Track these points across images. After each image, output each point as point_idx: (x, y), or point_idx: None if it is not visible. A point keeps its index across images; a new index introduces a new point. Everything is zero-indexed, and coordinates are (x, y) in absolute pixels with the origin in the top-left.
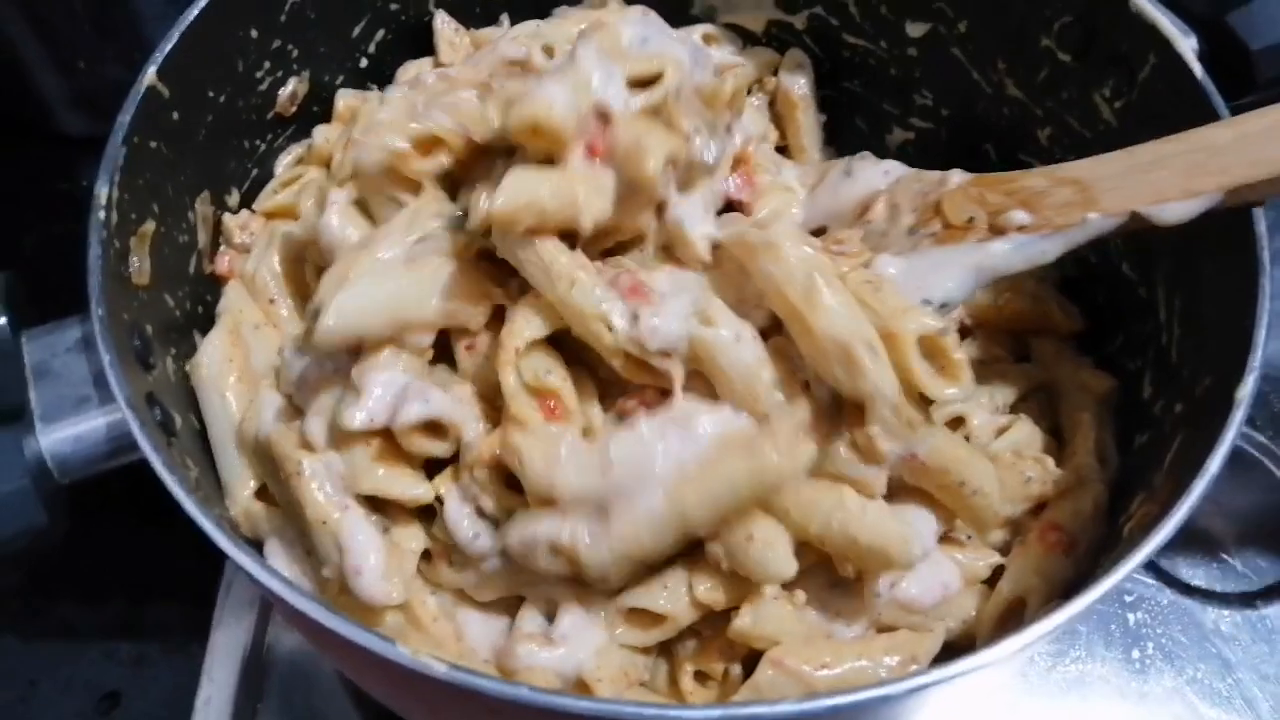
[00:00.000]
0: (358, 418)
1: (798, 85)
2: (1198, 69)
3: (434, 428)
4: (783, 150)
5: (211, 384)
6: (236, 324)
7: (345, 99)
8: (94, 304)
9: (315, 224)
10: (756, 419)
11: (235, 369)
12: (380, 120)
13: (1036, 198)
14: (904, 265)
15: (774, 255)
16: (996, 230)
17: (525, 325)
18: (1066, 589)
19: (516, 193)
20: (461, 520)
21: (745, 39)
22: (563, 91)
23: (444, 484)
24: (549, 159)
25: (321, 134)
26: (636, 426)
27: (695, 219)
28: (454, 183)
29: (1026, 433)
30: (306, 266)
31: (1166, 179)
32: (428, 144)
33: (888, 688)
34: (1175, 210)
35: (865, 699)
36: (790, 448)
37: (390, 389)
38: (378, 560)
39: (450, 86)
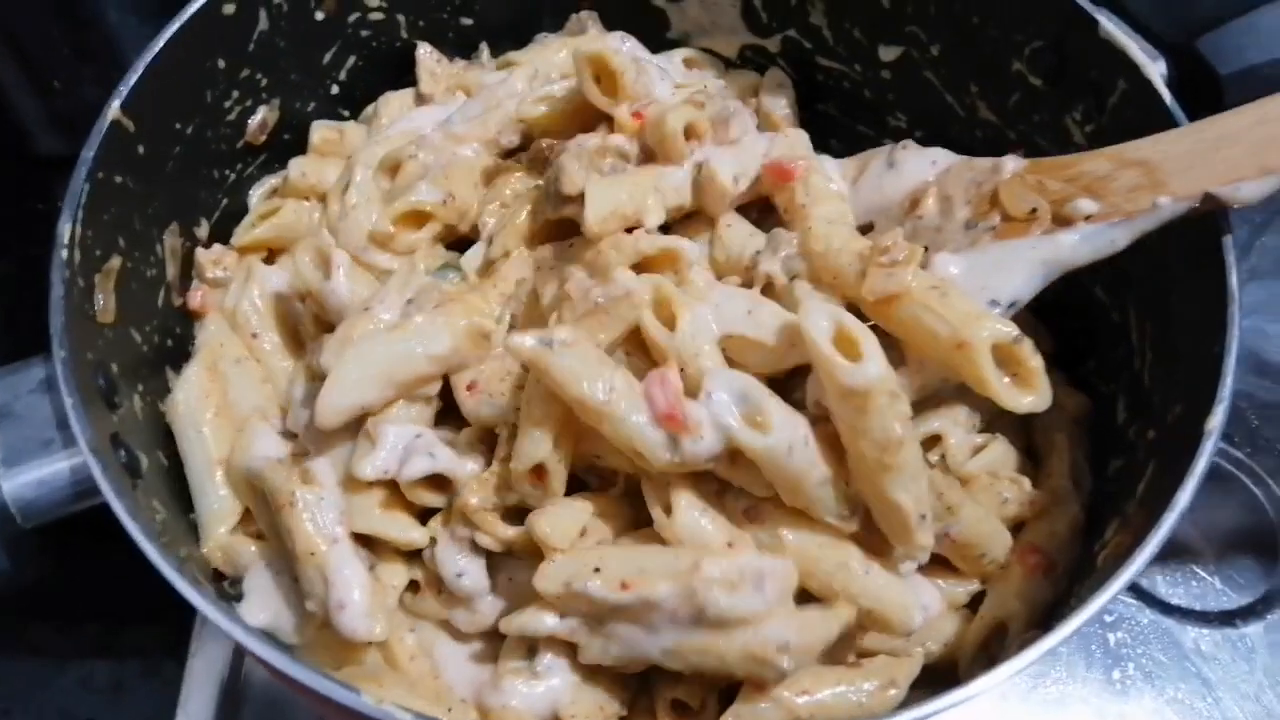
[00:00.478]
0: (369, 469)
1: (779, 106)
2: (1166, 94)
3: (436, 480)
4: None
5: (189, 419)
6: (215, 359)
7: (321, 130)
8: (56, 346)
9: (319, 286)
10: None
11: (213, 404)
12: (353, 205)
13: (1101, 183)
14: (965, 264)
15: (860, 403)
16: (1061, 221)
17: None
18: (1046, 611)
19: (601, 203)
20: (449, 559)
21: (723, 63)
22: (628, 54)
23: (436, 525)
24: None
25: (297, 167)
26: (649, 616)
27: (726, 165)
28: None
29: (1001, 452)
30: (304, 314)
31: (1239, 156)
32: (417, 218)
33: None
34: (1251, 190)
35: None
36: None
37: (401, 439)
38: (362, 596)
39: (456, 143)
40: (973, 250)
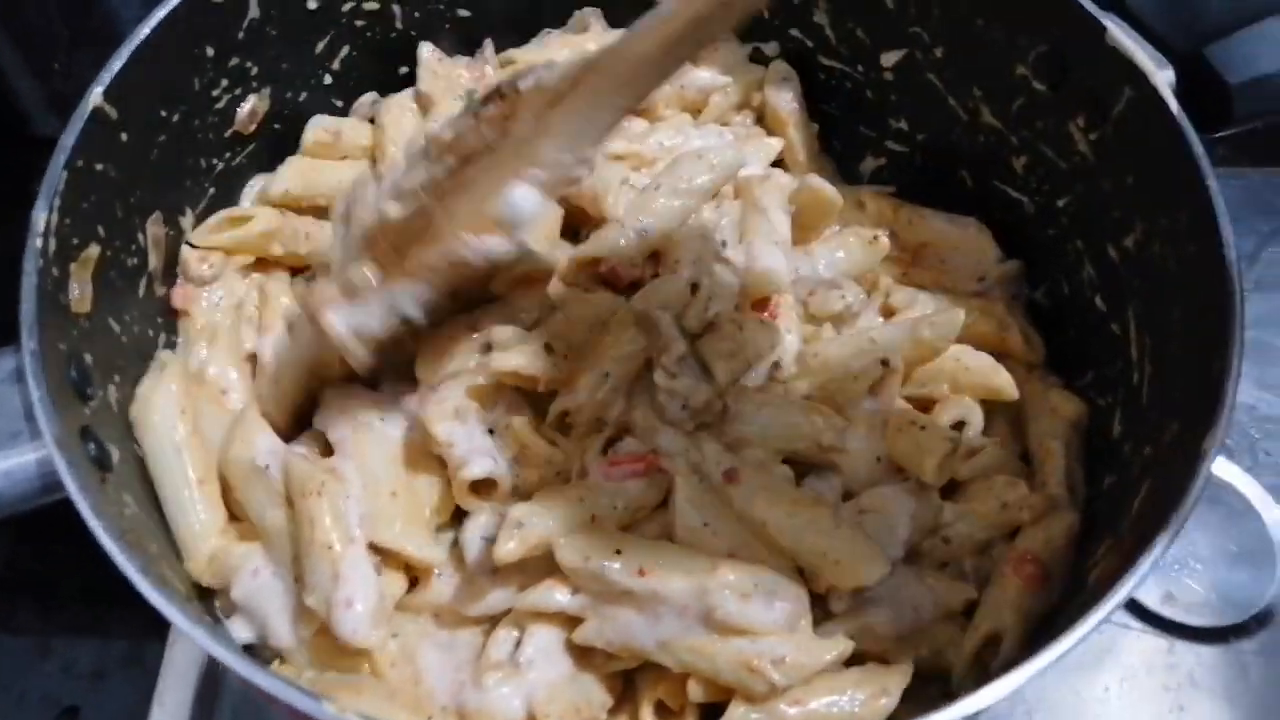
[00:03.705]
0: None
1: (785, 101)
2: (1173, 104)
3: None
4: (779, 164)
5: (165, 437)
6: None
7: (315, 132)
8: (25, 336)
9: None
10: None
11: (189, 420)
12: None
13: None
14: None
15: None
16: None
17: None
18: (1040, 623)
19: None
20: (480, 524)
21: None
22: None
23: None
24: None
25: (282, 183)
26: (655, 607)
27: None
28: None
29: (996, 456)
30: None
31: None
32: None
33: None
34: None
35: None
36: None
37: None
38: (369, 600)
39: None
40: None
